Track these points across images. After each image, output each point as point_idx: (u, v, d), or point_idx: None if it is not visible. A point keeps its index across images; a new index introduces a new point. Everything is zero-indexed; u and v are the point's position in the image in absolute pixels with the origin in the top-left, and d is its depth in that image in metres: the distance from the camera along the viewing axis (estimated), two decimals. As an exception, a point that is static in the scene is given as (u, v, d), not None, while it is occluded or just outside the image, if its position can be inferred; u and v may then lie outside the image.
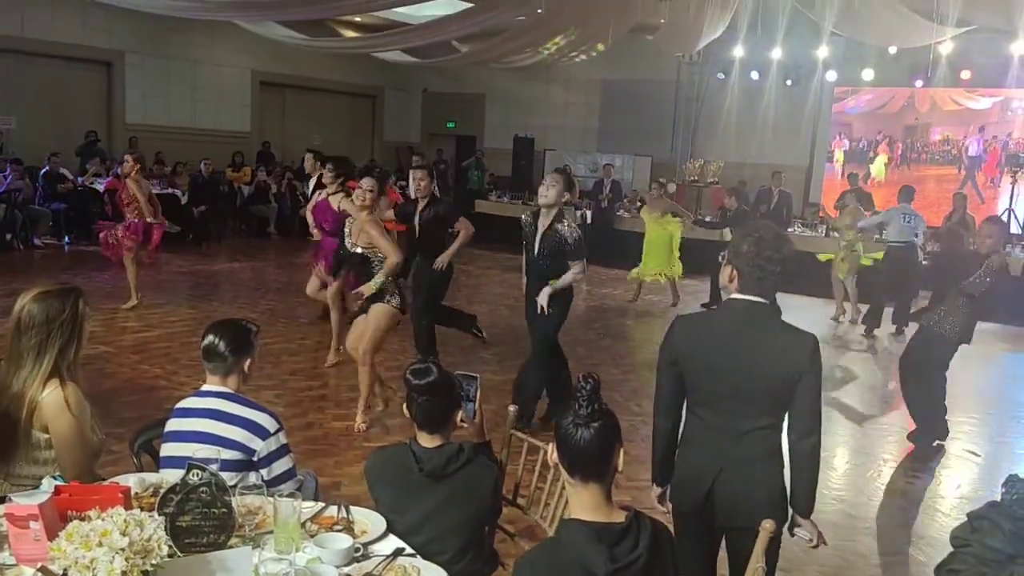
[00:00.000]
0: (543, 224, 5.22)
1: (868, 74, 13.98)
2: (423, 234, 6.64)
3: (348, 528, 2.33)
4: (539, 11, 10.46)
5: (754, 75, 14.71)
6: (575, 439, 1.85)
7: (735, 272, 2.53)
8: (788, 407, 2.49)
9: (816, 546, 2.59)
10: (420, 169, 6.95)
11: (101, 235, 8.47)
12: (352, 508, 2.42)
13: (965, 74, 13.09)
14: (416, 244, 6.79)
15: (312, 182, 8.47)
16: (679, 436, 2.69)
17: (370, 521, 2.38)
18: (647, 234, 10.54)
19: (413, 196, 7.20)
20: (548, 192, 5.14)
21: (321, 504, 2.50)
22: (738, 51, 13.94)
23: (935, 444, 5.82)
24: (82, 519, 2.03)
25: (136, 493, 2.35)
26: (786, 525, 2.58)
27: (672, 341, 2.61)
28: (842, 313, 10.10)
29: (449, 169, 18.12)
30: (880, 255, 9.91)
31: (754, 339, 2.49)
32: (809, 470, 2.51)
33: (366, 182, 5.24)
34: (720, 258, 2.68)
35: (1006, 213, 12.71)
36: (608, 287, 11.55)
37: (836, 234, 10.77)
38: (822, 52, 13.45)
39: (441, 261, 6.56)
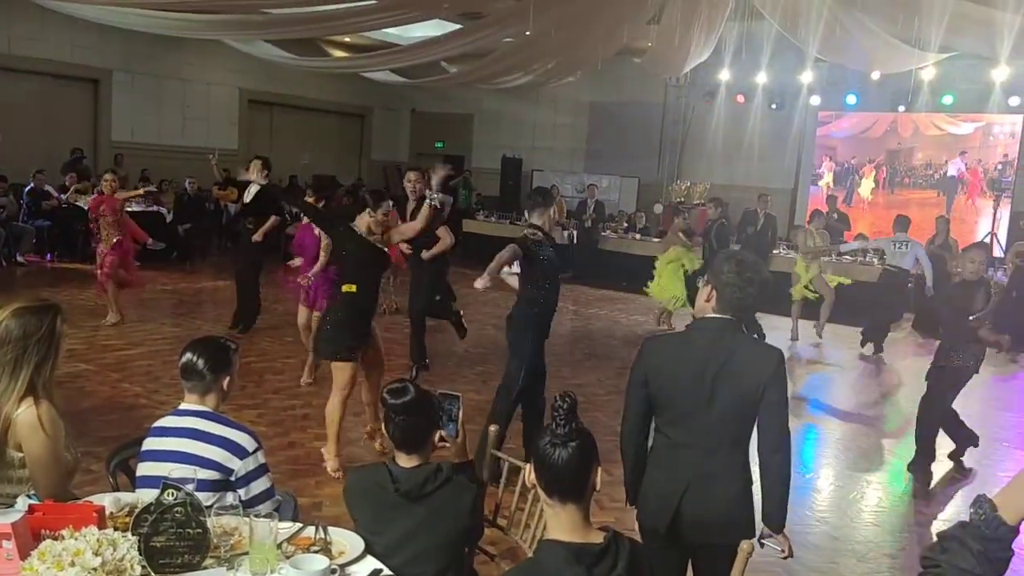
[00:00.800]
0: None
1: (851, 99, 14.18)
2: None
3: (325, 549, 2.30)
4: (527, 32, 10.54)
5: (740, 98, 14.86)
6: (553, 459, 1.85)
7: (713, 292, 2.59)
8: (755, 423, 2.53)
9: (787, 557, 2.63)
10: (413, 171, 6.85)
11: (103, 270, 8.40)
12: (330, 529, 2.40)
13: (947, 99, 13.28)
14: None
15: (252, 189, 8.00)
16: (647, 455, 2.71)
17: (348, 542, 2.35)
18: (663, 257, 10.20)
19: (408, 196, 6.99)
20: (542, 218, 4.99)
21: (298, 525, 2.47)
22: (724, 75, 14.10)
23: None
24: (55, 538, 2.01)
25: (111, 513, 2.32)
26: (756, 537, 2.59)
27: (642, 362, 2.65)
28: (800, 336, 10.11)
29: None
30: (846, 280, 9.97)
31: (722, 356, 2.52)
32: (781, 485, 2.54)
33: (385, 207, 4.95)
34: (698, 282, 2.73)
35: (988, 236, 12.87)
36: (594, 307, 11.57)
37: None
38: (806, 77, 13.65)
39: (427, 255, 6.73)
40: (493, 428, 3.20)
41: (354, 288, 4.85)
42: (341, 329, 4.87)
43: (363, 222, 4.92)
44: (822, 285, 9.92)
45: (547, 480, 1.86)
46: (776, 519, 2.57)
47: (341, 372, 4.88)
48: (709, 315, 2.60)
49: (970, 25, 9.44)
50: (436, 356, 7.56)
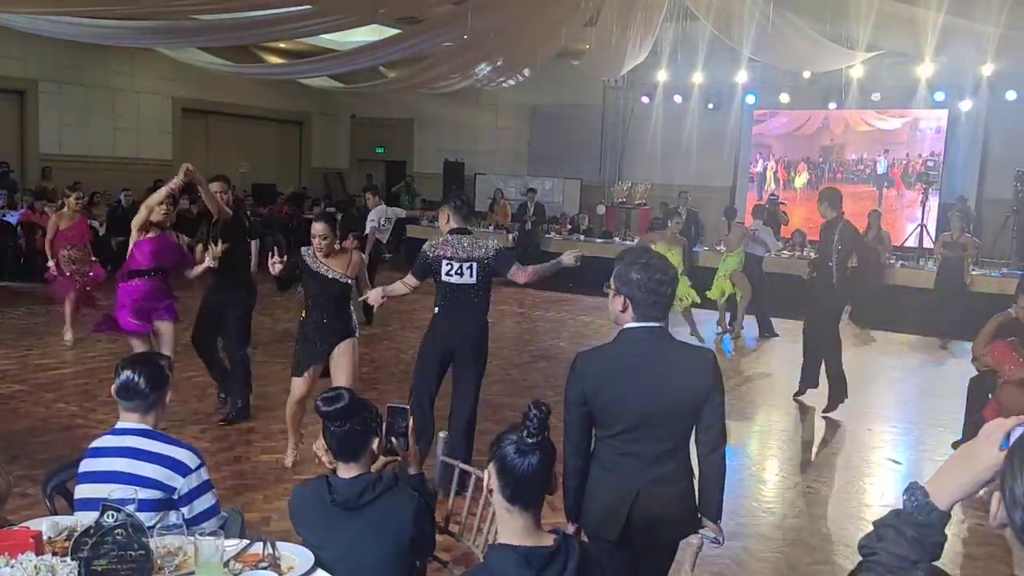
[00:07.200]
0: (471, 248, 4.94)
1: (784, 97, 14.53)
2: None
3: (274, 565, 2.27)
4: (465, 36, 10.54)
5: (677, 99, 15.10)
6: (522, 467, 1.84)
7: (628, 301, 2.52)
8: (696, 423, 2.55)
9: (720, 544, 2.68)
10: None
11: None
12: (278, 544, 2.35)
13: (875, 96, 13.69)
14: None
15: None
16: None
17: (297, 557, 2.31)
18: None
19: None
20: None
21: (246, 541, 2.42)
22: (661, 75, 14.31)
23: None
24: (-11, 568, 1.94)
25: (49, 538, 2.25)
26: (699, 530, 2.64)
27: (578, 381, 2.55)
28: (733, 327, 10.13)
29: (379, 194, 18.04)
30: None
31: (659, 365, 2.52)
32: (720, 480, 2.60)
33: (317, 228, 4.71)
34: (604, 288, 2.67)
35: (918, 228, 13.29)
36: (540, 309, 11.61)
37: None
38: (741, 77, 13.92)
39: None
40: (442, 435, 3.19)
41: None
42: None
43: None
44: (739, 280, 9.82)
45: (514, 488, 1.85)
46: (716, 511, 2.63)
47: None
48: (633, 324, 2.53)
49: (895, 24, 9.75)
50: (371, 364, 7.53)
